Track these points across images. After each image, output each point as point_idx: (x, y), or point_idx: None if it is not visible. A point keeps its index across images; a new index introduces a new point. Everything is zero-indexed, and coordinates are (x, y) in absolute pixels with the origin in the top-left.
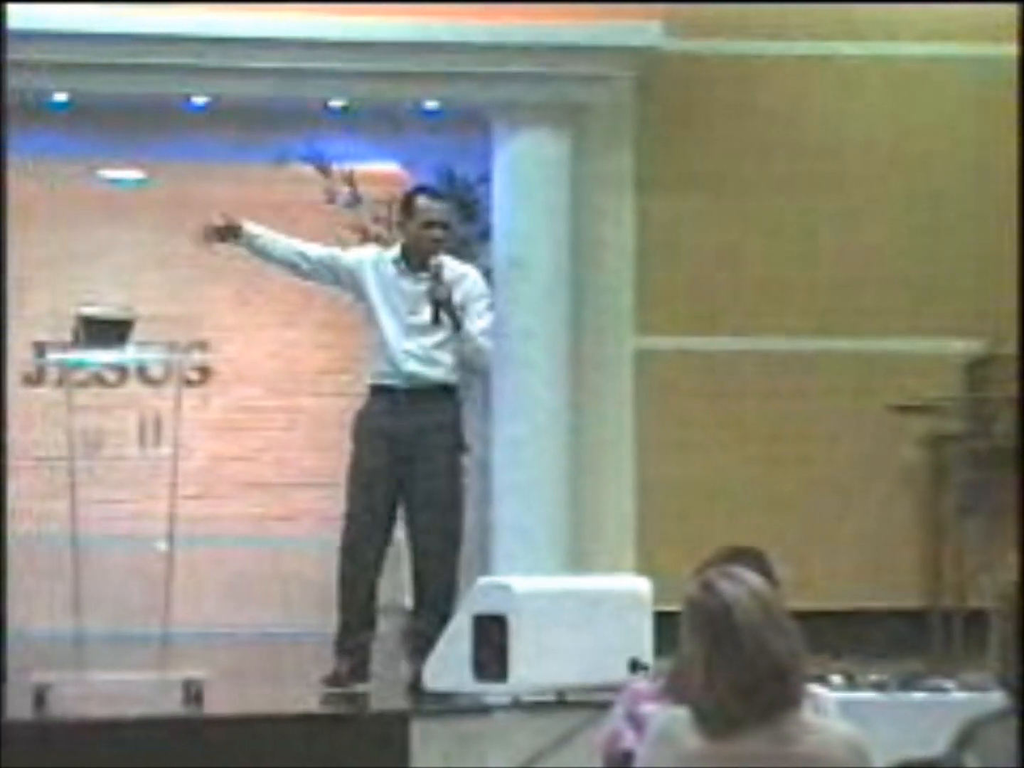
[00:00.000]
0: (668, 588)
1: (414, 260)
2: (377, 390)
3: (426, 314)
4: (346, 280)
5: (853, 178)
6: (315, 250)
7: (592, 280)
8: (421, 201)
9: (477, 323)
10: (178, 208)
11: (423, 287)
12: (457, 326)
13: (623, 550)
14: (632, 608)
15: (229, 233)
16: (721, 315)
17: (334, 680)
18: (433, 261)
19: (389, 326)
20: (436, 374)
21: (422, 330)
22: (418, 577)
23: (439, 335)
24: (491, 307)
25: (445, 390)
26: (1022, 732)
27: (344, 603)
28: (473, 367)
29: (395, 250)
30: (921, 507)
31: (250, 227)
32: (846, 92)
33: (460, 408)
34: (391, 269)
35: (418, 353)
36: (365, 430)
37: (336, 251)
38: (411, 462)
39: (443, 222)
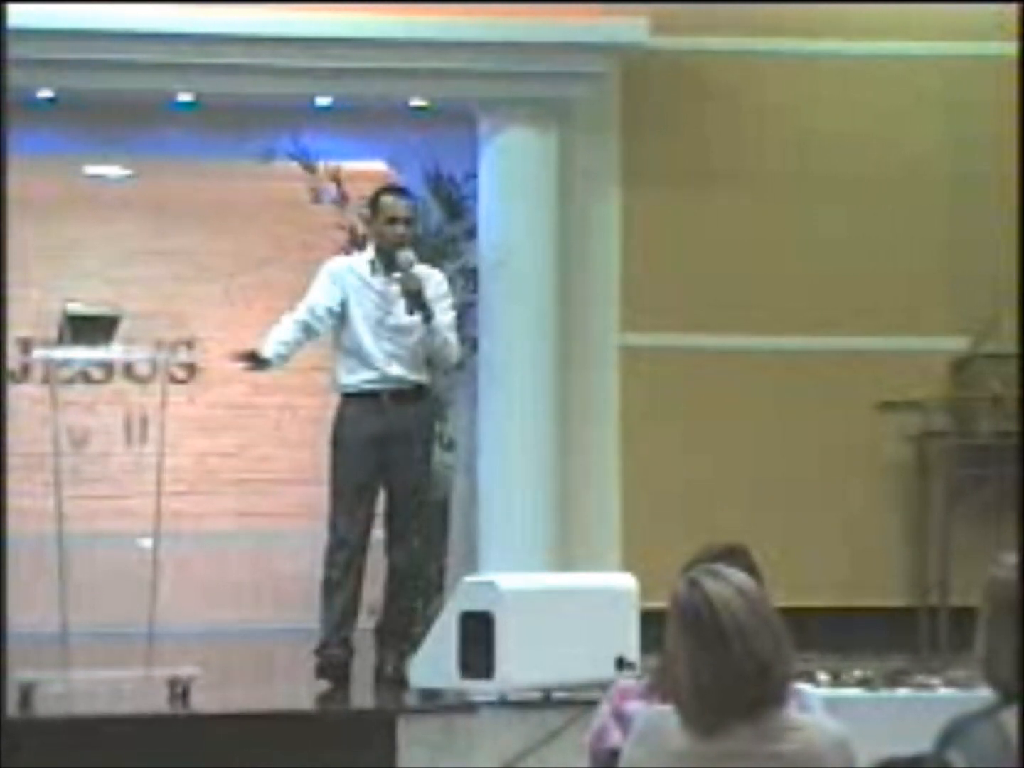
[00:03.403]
0: (654, 586)
1: (384, 259)
2: (357, 395)
3: (400, 315)
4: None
5: (839, 176)
6: (315, 309)
7: (578, 277)
8: (385, 199)
9: (443, 318)
10: (164, 205)
11: (395, 285)
12: (428, 317)
13: (609, 548)
14: (618, 606)
15: (252, 360)
16: (706, 313)
17: (326, 671)
18: (403, 254)
19: (366, 329)
20: (415, 374)
21: (399, 330)
22: (396, 571)
23: (415, 335)
24: (453, 307)
25: (422, 389)
26: (1023, 726)
27: (333, 606)
28: (440, 361)
29: (369, 252)
30: (907, 505)
31: (267, 350)
32: (835, 89)
33: (434, 405)
34: (365, 270)
35: (400, 354)
36: (351, 438)
37: (319, 293)
38: (395, 464)
39: (407, 218)
